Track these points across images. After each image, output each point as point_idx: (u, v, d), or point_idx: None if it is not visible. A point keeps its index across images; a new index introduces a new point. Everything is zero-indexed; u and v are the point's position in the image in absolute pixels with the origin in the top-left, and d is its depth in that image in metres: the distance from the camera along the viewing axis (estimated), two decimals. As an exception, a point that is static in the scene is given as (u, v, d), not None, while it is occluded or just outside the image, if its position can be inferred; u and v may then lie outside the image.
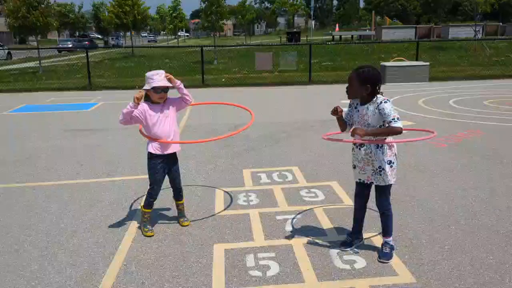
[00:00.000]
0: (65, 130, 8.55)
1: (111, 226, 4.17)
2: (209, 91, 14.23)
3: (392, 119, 3.07)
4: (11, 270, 3.40)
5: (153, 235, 3.92)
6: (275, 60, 17.57)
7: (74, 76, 18.94)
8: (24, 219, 4.38)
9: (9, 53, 33.17)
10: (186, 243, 3.78)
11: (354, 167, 3.44)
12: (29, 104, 12.23)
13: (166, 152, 3.89)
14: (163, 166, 3.93)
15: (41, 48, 21.48)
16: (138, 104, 3.71)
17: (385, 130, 3.13)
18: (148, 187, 3.98)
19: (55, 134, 8.27)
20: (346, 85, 3.31)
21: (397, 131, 3.07)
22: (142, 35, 78.70)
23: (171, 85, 3.79)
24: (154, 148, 3.87)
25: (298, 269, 3.30)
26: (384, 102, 3.15)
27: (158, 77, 3.72)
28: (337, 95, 12.25)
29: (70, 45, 40.83)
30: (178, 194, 4.16)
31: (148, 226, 3.98)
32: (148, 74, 3.75)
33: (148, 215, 3.99)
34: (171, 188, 4.17)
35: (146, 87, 3.73)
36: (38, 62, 21.75)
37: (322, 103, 11.12)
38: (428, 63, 15.56)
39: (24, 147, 7.33)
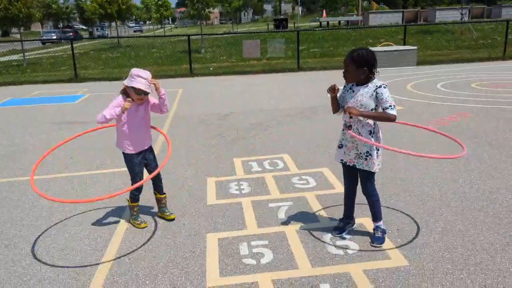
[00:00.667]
0: (52, 123, 8.43)
1: (103, 218, 4.14)
2: (197, 81, 14.13)
3: (389, 106, 3.08)
4: (2, 266, 3.36)
5: (146, 226, 3.90)
6: (262, 47, 17.45)
7: (59, 68, 18.65)
8: (14, 214, 4.32)
9: (-9, 46, 32.49)
10: (178, 233, 3.77)
11: (341, 146, 3.42)
12: (14, 97, 12.02)
13: (138, 151, 3.78)
14: (140, 159, 3.83)
15: (25, 40, 21.08)
16: (123, 113, 3.59)
17: (380, 114, 3.13)
18: (131, 180, 3.89)
19: (42, 127, 8.15)
20: (342, 70, 3.29)
21: (391, 119, 3.08)
22: (130, 25, 77.56)
23: (150, 92, 3.60)
24: (126, 148, 3.75)
25: (292, 256, 3.31)
26: (384, 87, 3.15)
27: (141, 80, 3.51)
28: (326, 81, 12.25)
29: (54, 37, 40.16)
30: (158, 187, 4.03)
31: (139, 219, 3.95)
32: (134, 71, 3.56)
33: (136, 208, 3.95)
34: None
35: (126, 82, 3.55)
36: (22, 54, 21.35)
37: (311, 90, 11.11)
38: (415, 47, 15.60)
39: (11, 141, 7.21)
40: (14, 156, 6.36)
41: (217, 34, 27.06)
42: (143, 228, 3.89)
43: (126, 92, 3.64)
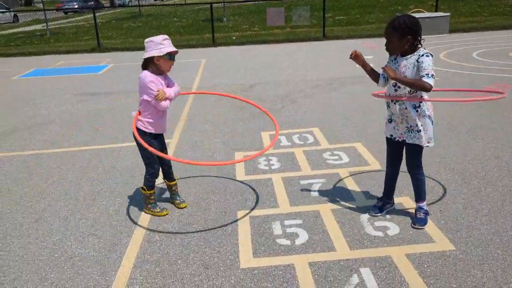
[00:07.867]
0: (77, 94, 8.37)
1: (131, 194, 4.05)
2: (220, 51, 13.83)
3: (426, 74, 2.82)
4: (33, 241, 3.32)
5: (168, 214, 3.62)
6: (287, 15, 16.89)
7: (82, 38, 18.56)
8: (42, 187, 4.28)
9: (15, 15, 32.61)
10: (208, 211, 3.65)
11: (390, 121, 3.18)
12: (38, 68, 12.02)
13: (158, 132, 3.52)
14: (156, 142, 3.52)
15: (47, 9, 20.90)
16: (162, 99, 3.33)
17: (414, 81, 2.86)
18: (145, 167, 3.56)
19: (67, 98, 8.10)
20: (384, 42, 3.04)
21: (425, 87, 2.80)
22: None
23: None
24: (147, 127, 3.42)
25: (328, 237, 3.16)
26: (426, 55, 2.88)
27: (168, 42, 3.28)
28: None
29: (76, 6, 39.97)
30: (169, 173, 3.71)
31: (157, 207, 3.65)
32: (155, 39, 3.26)
33: (153, 196, 3.63)
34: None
35: (157, 53, 3.24)
36: (45, 24, 21.31)
37: (339, 60, 10.71)
38: (448, 14, 14.84)
39: (37, 113, 7.19)
40: (40, 128, 6.33)
41: (239, 2, 26.40)
42: (164, 215, 3.61)
43: (146, 66, 3.35)
